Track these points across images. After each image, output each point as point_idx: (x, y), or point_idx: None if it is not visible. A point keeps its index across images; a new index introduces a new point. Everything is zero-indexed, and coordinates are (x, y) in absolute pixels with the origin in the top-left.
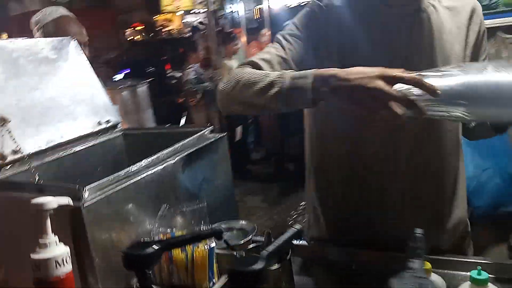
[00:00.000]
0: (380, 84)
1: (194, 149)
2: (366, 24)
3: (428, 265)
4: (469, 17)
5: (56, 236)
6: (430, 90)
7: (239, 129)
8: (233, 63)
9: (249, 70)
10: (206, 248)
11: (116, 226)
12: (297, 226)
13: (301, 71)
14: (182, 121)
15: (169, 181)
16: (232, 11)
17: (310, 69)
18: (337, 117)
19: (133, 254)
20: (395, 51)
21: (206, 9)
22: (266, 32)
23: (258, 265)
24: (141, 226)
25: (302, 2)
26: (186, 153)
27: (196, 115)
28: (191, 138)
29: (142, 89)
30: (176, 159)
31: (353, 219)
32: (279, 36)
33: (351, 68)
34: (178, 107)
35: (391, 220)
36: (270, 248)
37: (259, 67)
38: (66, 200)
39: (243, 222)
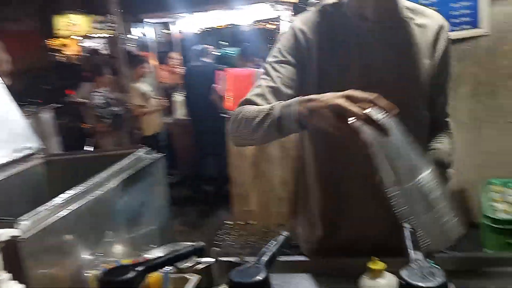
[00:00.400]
0: (341, 101)
1: (134, 171)
2: (344, 39)
3: (381, 265)
4: (436, 34)
5: (10, 274)
6: (387, 107)
7: (154, 155)
8: (142, 86)
9: (247, 108)
10: (161, 273)
11: (56, 258)
12: (285, 233)
13: (289, 100)
14: (89, 148)
15: (109, 206)
16: (140, 35)
17: (301, 89)
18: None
19: (114, 280)
20: (372, 65)
21: (105, 34)
22: (175, 56)
23: (262, 275)
24: (82, 257)
25: (209, 27)
26: (125, 176)
27: (104, 140)
28: (128, 159)
29: (47, 115)
30: (116, 182)
31: (341, 227)
32: (266, 66)
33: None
34: (83, 132)
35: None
36: (265, 257)
37: (254, 103)
38: (16, 232)
39: (188, 243)
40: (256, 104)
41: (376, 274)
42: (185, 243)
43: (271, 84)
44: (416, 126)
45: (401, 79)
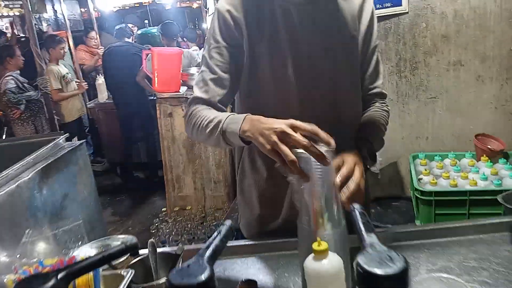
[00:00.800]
0: (285, 127)
1: (50, 160)
2: (271, 17)
3: (325, 245)
4: (360, 6)
5: None
6: (325, 140)
7: (75, 141)
8: (60, 68)
9: (198, 114)
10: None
11: None
12: (228, 222)
13: (237, 116)
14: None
15: (26, 201)
16: (55, 13)
17: (237, 70)
18: None
19: None
20: (301, 41)
21: (14, 13)
22: (94, 35)
23: (205, 274)
24: None
25: (128, 5)
26: (42, 166)
27: (20, 128)
28: (44, 148)
29: None
30: (31, 175)
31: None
32: (205, 56)
33: (265, 118)
34: None
35: None
36: (208, 252)
37: (202, 99)
38: None
39: (121, 236)
40: (204, 100)
41: (320, 255)
42: (117, 236)
43: (211, 76)
44: (352, 102)
45: (331, 54)
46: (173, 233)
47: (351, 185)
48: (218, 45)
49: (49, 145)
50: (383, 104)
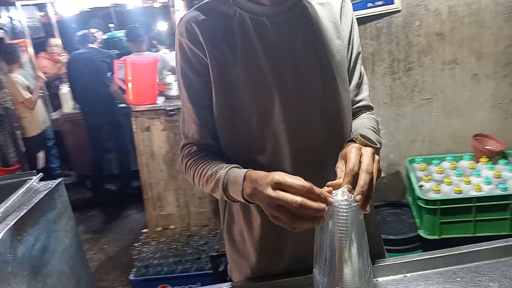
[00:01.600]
0: (272, 193)
1: (24, 212)
2: (240, 32)
3: None
4: (339, 9)
5: None
6: (321, 198)
7: (41, 155)
8: (20, 78)
9: (195, 167)
10: None
11: None
12: None
13: (237, 174)
14: None
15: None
16: (11, 20)
17: (212, 98)
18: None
19: None
20: (277, 52)
21: None
22: (55, 42)
23: None
24: None
25: (90, 8)
26: (14, 222)
27: None
28: (15, 196)
29: None
30: (0, 235)
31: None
32: (181, 91)
33: (262, 174)
34: None
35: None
36: None
37: (196, 146)
38: None
39: None
40: (196, 145)
41: None
42: None
43: (192, 114)
44: (345, 117)
45: (316, 65)
46: (157, 256)
47: (362, 177)
48: (188, 77)
49: (20, 191)
50: (371, 114)
